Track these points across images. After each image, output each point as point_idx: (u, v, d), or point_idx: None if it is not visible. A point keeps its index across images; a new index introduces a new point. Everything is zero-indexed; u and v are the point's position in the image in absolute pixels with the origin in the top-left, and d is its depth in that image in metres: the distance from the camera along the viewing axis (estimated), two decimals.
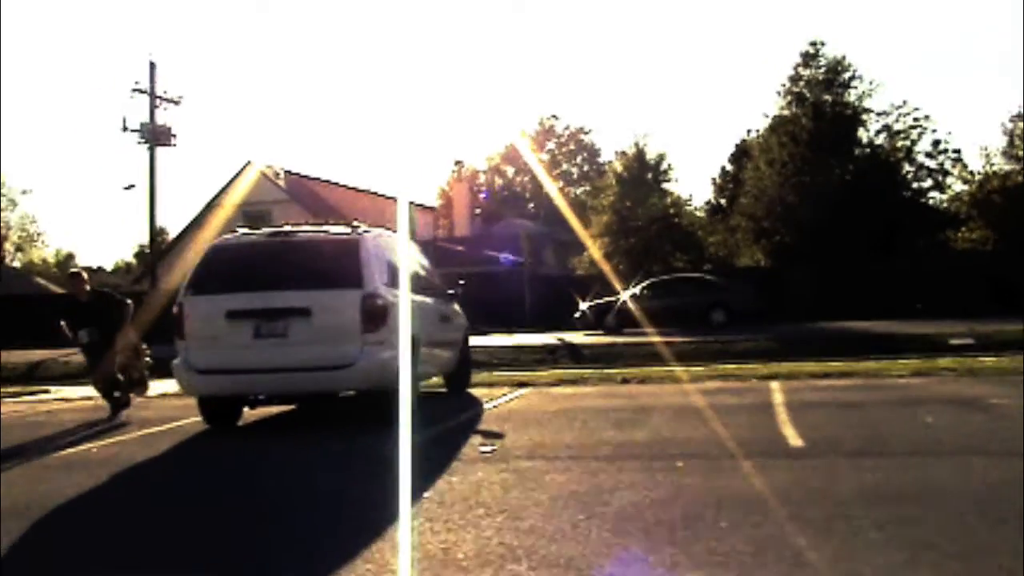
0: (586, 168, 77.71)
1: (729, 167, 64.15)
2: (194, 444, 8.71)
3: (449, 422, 9.23)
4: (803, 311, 29.53)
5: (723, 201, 56.77)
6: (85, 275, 11.94)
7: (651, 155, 40.10)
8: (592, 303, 28.32)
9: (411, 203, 50.90)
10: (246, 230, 9.56)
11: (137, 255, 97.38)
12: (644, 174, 39.01)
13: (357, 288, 8.68)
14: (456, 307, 11.81)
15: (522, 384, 12.39)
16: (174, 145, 34.93)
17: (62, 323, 11.45)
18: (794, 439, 7.14)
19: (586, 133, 78.24)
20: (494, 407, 10.26)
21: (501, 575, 4.01)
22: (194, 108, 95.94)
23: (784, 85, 41.57)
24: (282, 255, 9.07)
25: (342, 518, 5.30)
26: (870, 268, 32.83)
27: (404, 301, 8.48)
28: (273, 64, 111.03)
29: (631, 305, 27.04)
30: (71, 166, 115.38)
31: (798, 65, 41.07)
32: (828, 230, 34.82)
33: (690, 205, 43.62)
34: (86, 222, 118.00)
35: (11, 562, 4.68)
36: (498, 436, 7.97)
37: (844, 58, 40.41)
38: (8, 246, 74.12)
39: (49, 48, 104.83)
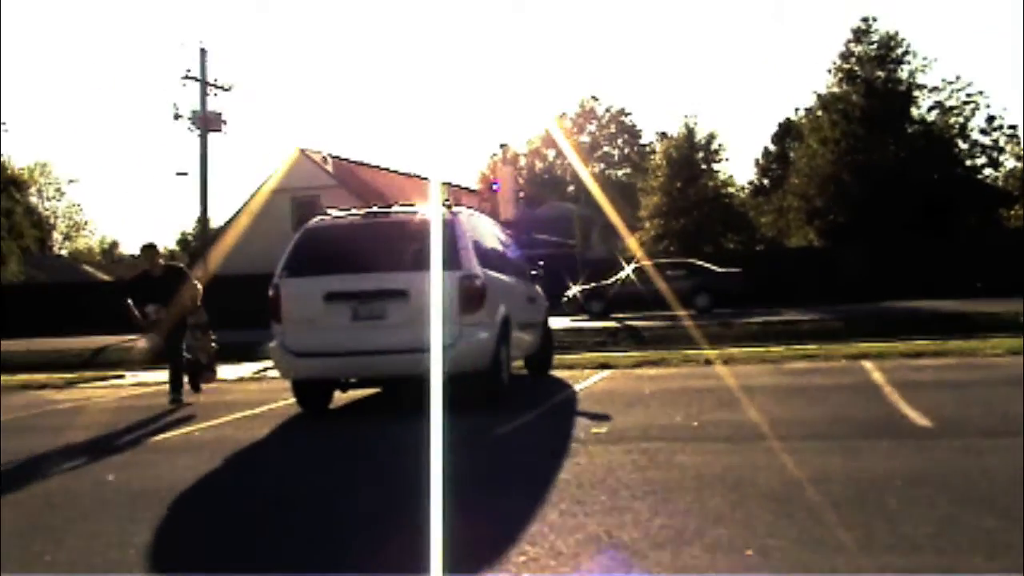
0: (627, 150, 77.14)
1: (772, 147, 63.65)
2: (295, 427, 8.65)
3: (546, 404, 9.12)
4: (859, 291, 29.10)
5: (766, 182, 56.23)
6: (160, 248, 11.57)
7: (701, 135, 39.54)
8: (581, 288, 28.43)
9: (458, 186, 50.82)
10: (338, 211, 9.47)
11: (179, 242, 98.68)
12: (694, 154, 38.56)
13: (455, 269, 8.57)
14: (538, 288, 11.69)
15: (603, 366, 12.25)
16: (224, 132, 35.06)
17: (128, 301, 10.99)
18: (919, 419, 6.93)
19: (627, 115, 77.63)
20: (584, 389, 10.13)
21: (681, 558, 3.88)
22: (244, 95, 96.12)
23: (835, 62, 40.93)
24: (378, 236, 8.99)
25: (482, 501, 5.21)
26: (924, 247, 32.26)
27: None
28: (320, 50, 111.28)
29: (618, 290, 27.41)
30: (117, 154, 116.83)
31: (849, 41, 40.40)
32: (881, 209, 34.28)
33: (734, 186, 43.04)
34: (128, 210, 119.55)
35: (164, 543, 4.64)
36: (604, 418, 7.84)
37: (897, 34, 39.70)
38: (56, 235, 75.19)
39: (101, 38, 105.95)
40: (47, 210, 72.94)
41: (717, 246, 34.41)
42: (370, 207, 9.59)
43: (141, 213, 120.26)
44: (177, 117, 33.64)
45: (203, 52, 33.88)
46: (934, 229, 34.19)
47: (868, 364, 10.78)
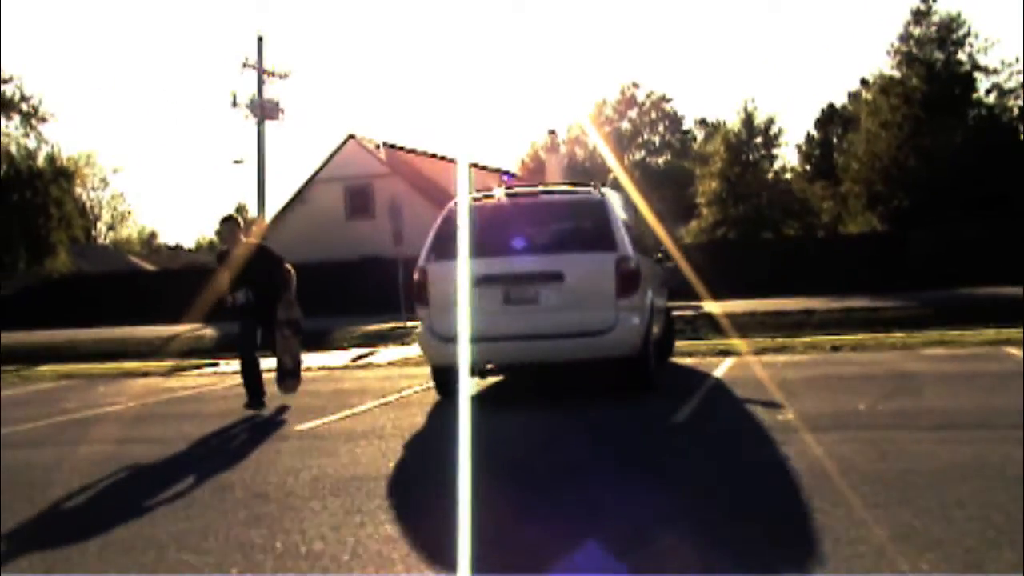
0: (668, 137, 76.45)
1: (815, 133, 62.81)
2: (451, 414, 8.37)
3: (699, 391, 8.84)
4: (929, 277, 28.49)
5: (808, 168, 55.46)
6: (240, 221, 9.59)
7: (760, 119, 38.93)
8: None
9: (506, 171, 50.51)
10: (482, 193, 9.20)
11: (218, 233, 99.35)
12: (753, 139, 38.00)
13: (611, 251, 8.28)
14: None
15: (723, 353, 11.93)
16: (281, 120, 34.97)
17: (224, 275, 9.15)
18: None
19: (668, 101, 76.90)
20: (723, 376, 9.84)
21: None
22: (297, 83, 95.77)
23: (893, 44, 40.16)
24: (528, 217, 8.72)
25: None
26: (995, 231, 31.51)
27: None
28: (373, 38, 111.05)
29: None
30: (162, 143, 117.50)
31: (909, 23, 39.60)
32: (947, 193, 33.58)
33: (796, 171, 42.37)
34: (170, 200, 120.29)
35: (422, 528, 4.40)
36: (775, 405, 7.53)
37: (959, 15, 38.87)
38: (100, 225, 75.75)
39: (151, 28, 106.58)
40: (91, 200, 73.45)
41: (777, 232, 33.84)
42: (511, 188, 9.29)
43: (184, 203, 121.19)
44: (235, 105, 33.53)
45: (260, 40, 33.78)
46: (1002, 212, 33.44)
47: (1013, 350, 10.38)
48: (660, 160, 75.56)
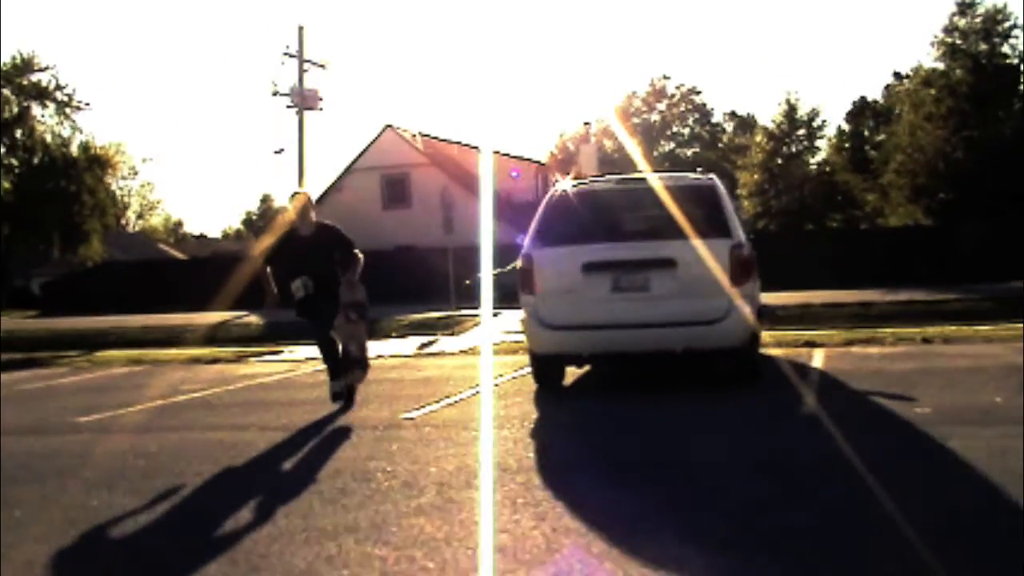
0: (697, 129, 75.92)
1: (845, 126, 62.23)
2: (559, 402, 8.18)
3: (808, 382, 8.60)
4: (978, 270, 28.06)
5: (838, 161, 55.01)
6: (311, 197, 8.52)
7: (803, 111, 38.49)
8: (477, 277, 27.80)
9: (538, 161, 50.23)
10: (589, 178, 8.99)
11: (245, 222, 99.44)
12: (795, 131, 37.58)
13: (725, 238, 8.06)
14: None
15: (809, 344, 11.67)
16: (321, 109, 34.84)
17: (267, 270, 8.29)
18: None
19: (697, 93, 76.35)
20: (824, 367, 9.60)
21: None
22: (336, 73, 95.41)
23: (937, 36, 39.61)
24: (638, 203, 8.51)
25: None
26: None
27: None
28: (409, 29, 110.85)
29: (508, 280, 26.27)
30: (190, 132, 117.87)
31: (954, 15, 39.04)
32: (995, 185, 33.08)
33: (839, 164, 41.84)
34: (194, 190, 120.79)
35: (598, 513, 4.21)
36: (901, 398, 7.29)
37: (1005, 6, 38.29)
38: (130, 213, 76.04)
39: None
40: (122, 189, 73.73)
41: (820, 225, 33.46)
42: (616, 173, 9.08)
43: (208, 193, 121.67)
44: (275, 94, 33.43)
45: (301, 29, 33.65)
46: None
47: None
48: (689, 152, 75.11)
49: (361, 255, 8.44)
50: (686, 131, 76.74)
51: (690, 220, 8.23)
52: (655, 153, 73.93)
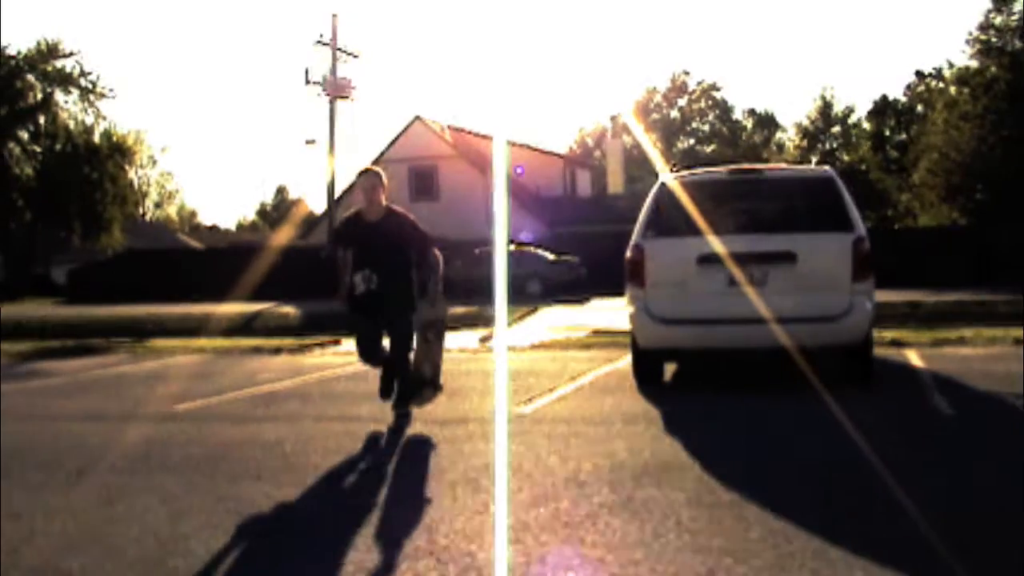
0: (718, 126, 75.59)
1: (866, 125, 61.83)
2: (671, 398, 7.91)
3: (920, 382, 8.37)
4: (1016, 271, 27.75)
5: (873, 159, 54.61)
6: (383, 176, 7.16)
7: (838, 108, 38.16)
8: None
9: (559, 154, 49.95)
10: (699, 169, 8.76)
11: (259, 213, 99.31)
12: (830, 127, 37.26)
13: (847, 231, 7.82)
14: None
15: (895, 343, 11.42)
16: (348, 97, 34.61)
17: (339, 254, 7.21)
18: None
19: (718, 90, 76.01)
20: (925, 367, 9.36)
21: None
22: (366, 64, 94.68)
23: (971, 33, 39.26)
24: (754, 194, 8.27)
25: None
26: None
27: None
28: (438, 20, 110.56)
29: (459, 275, 26.57)
30: (207, 122, 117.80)
31: (990, 12, 38.67)
32: None
33: (873, 162, 41.52)
34: (207, 180, 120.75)
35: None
36: None
37: None
38: (148, 203, 75.94)
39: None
40: (140, 178, 73.63)
41: None
42: (730, 164, 8.85)
43: (222, 184, 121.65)
44: (308, 82, 33.23)
45: (334, 17, 33.46)
46: None
47: None
48: (708, 148, 74.82)
49: (440, 255, 7.24)
50: (706, 127, 76.45)
51: (810, 213, 8.00)
52: (673, 149, 73.67)
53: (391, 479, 5.51)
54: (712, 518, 4.27)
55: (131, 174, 70.59)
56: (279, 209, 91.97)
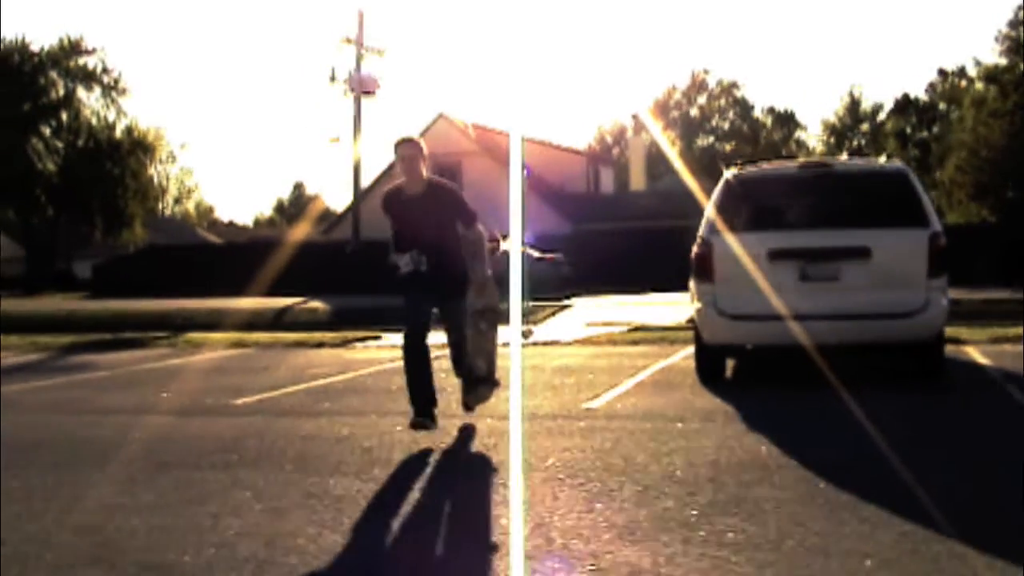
0: (738, 124, 75.26)
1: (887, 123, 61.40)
2: (741, 396, 7.73)
3: (997, 380, 8.21)
4: None
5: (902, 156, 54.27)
6: (423, 146, 6.35)
7: (866, 105, 37.87)
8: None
9: (576, 150, 49.74)
10: (763, 163, 8.62)
11: (277, 209, 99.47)
12: (858, 125, 36.99)
13: (923, 227, 7.67)
14: None
15: (953, 340, 11.21)
16: (370, 93, 34.50)
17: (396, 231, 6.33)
18: None
19: (738, 88, 75.66)
20: (991, 364, 9.19)
21: None
22: (390, 61, 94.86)
23: (1001, 31, 38.92)
24: (824, 189, 8.11)
25: None
26: None
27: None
28: (460, 16, 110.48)
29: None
30: (224, 119, 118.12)
31: (1020, 8, 38.32)
32: None
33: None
34: (224, 176, 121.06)
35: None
36: None
37: None
38: (167, 198, 76.10)
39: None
40: (160, 173, 73.76)
41: None
42: (795, 158, 8.70)
43: (238, 180, 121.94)
44: (333, 79, 33.17)
45: (360, 15, 33.37)
46: None
47: None
48: (727, 146, 74.55)
49: (486, 234, 6.70)
50: (726, 125, 76.13)
51: (884, 207, 7.85)
52: (693, 147, 73.41)
53: (473, 475, 5.39)
54: (833, 519, 4.13)
55: (151, 170, 71.14)
56: (296, 205, 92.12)
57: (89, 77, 49.24)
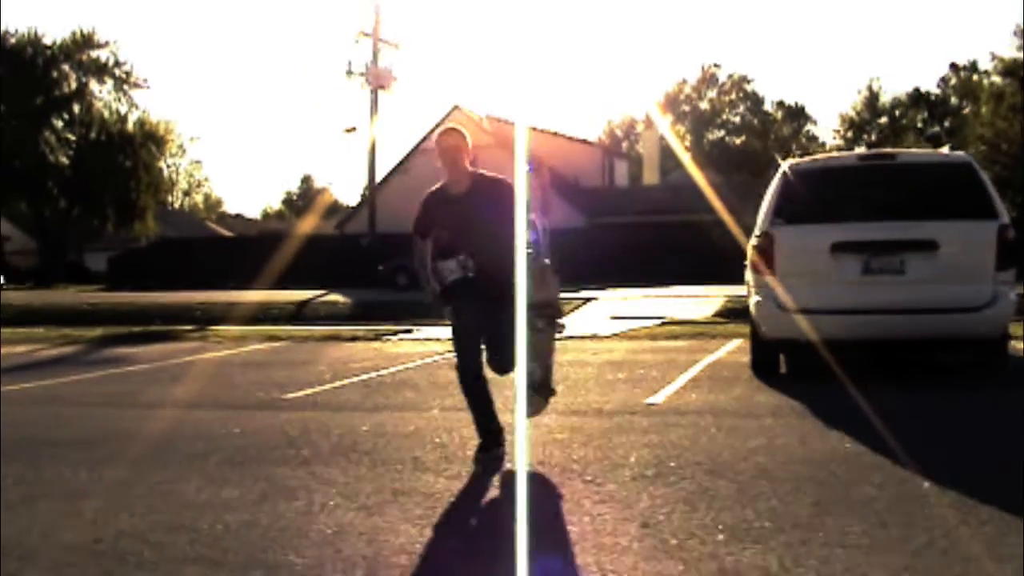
0: (749, 118, 74.98)
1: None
2: (803, 391, 7.62)
3: None
4: None
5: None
6: (467, 135, 5.66)
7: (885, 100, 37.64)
8: (388, 263, 29.44)
9: (586, 141, 49.55)
10: (820, 155, 8.47)
11: (285, 202, 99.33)
12: (876, 119, 36.78)
13: (991, 219, 7.52)
14: None
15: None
16: (391, 90, 34.40)
17: (426, 245, 5.63)
18: None
19: (749, 82, 75.39)
20: None
21: None
22: (405, 54, 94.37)
23: (1018, 25, 38.68)
24: (888, 180, 7.97)
25: None
26: None
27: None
28: (472, 10, 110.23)
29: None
30: (233, 112, 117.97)
31: None
32: None
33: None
34: (232, 169, 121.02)
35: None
36: None
37: None
38: (177, 191, 76.07)
39: None
40: (170, 166, 73.76)
41: None
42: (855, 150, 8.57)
43: (246, 173, 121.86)
44: (350, 73, 33.05)
45: (377, 8, 33.25)
46: None
47: None
48: (738, 140, 74.32)
49: (540, 224, 5.80)
50: (736, 119, 75.86)
51: (950, 199, 7.71)
52: (703, 141, 73.18)
53: (553, 472, 5.27)
54: (953, 519, 4.00)
55: (161, 163, 71.06)
56: (305, 198, 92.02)
57: (101, 70, 49.17)
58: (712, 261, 29.28)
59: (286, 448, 5.88)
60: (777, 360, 8.51)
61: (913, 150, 8.59)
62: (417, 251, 5.68)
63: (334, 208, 70.47)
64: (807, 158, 8.50)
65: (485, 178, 5.61)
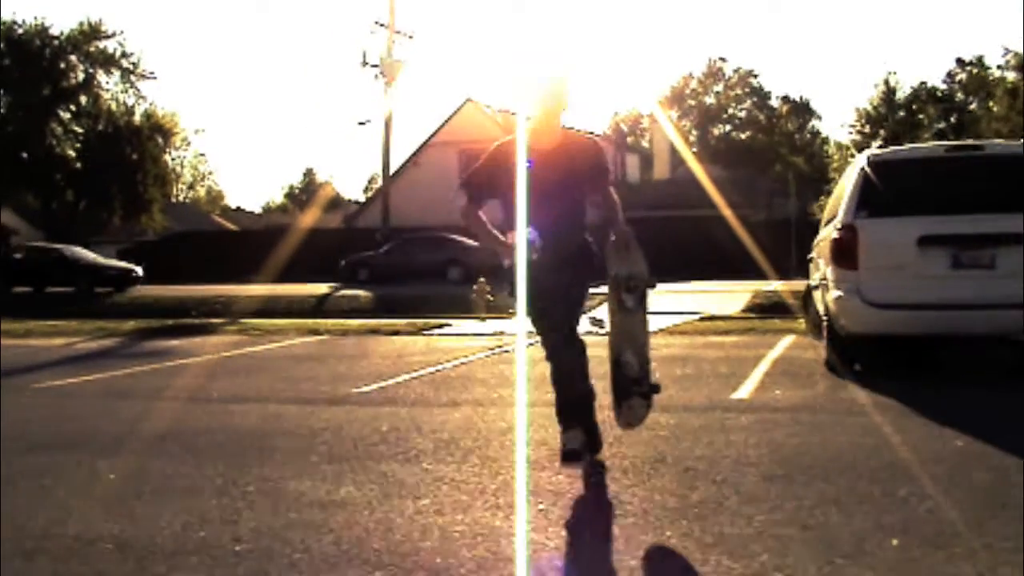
0: (755, 112, 74.79)
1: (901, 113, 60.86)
2: (890, 388, 7.40)
3: None
4: None
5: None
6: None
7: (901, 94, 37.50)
8: (350, 257, 29.39)
9: (592, 133, 49.30)
10: (904, 146, 8.30)
11: (287, 195, 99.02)
12: (894, 113, 36.63)
13: None
14: None
15: None
16: (390, 81, 34.10)
17: (479, 218, 4.90)
18: None
19: (755, 76, 75.20)
20: None
21: None
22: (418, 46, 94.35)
23: None
24: (976, 172, 7.79)
25: None
26: None
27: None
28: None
29: (380, 261, 28.06)
30: (236, 106, 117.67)
31: None
32: None
33: None
34: (235, 162, 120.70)
35: None
36: None
37: None
38: (181, 184, 75.75)
39: None
40: (175, 159, 73.43)
41: None
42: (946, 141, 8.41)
43: (247, 167, 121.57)
44: (365, 64, 32.81)
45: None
46: None
47: None
48: (744, 135, 74.16)
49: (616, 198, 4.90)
50: (742, 114, 75.66)
51: None
52: (709, 136, 73.02)
53: (677, 472, 5.09)
54: None
55: (167, 155, 70.71)
56: (307, 192, 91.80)
57: (109, 62, 48.78)
58: (725, 257, 29.23)
59: (382, 444, 5.69)
60: (855, 356, 8.33)
61: (998, 141, 8.35)
62: (476, 218, 4.88)
63: (336, 202, 70.23)
64: (887, 149, 8.32)
65: (578, 138, 4.99)
